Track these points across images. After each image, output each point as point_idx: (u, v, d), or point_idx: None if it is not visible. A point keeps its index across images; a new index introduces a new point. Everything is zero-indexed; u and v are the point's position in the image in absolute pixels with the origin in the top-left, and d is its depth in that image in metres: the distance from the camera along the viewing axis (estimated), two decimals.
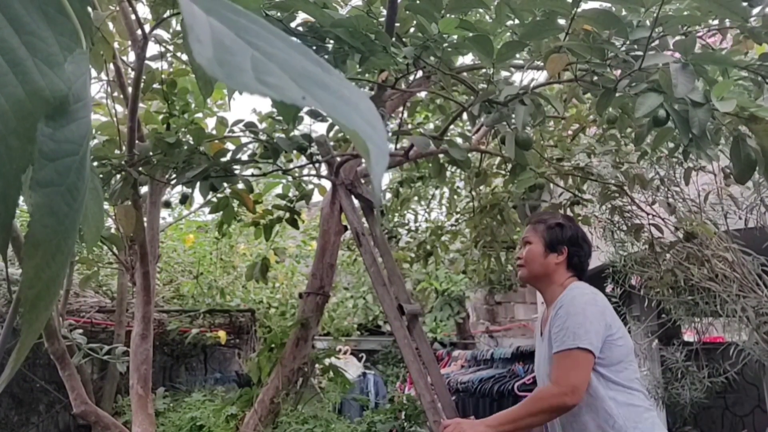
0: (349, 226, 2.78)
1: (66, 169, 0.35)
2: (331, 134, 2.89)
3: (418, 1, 1.66)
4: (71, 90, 0.35)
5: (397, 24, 1.92)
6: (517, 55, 2.32)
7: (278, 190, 3.17)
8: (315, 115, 2.31)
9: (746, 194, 3.68)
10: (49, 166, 0.34)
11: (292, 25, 1.78)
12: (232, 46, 0.30)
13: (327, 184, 3.08)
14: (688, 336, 5.83)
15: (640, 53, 1.49)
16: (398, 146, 2.59)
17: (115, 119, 3.11)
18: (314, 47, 1.74)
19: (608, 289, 4.85)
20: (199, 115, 3.12)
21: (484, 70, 2.54)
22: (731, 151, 1.46)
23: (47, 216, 0.34)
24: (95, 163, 2.17)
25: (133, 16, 2.73)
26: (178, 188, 2.89)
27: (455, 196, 4.58)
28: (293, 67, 0.31)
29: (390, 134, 2.51)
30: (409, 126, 3.77)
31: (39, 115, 0.33)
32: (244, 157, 2.40)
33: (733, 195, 3.56)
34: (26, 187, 0.34)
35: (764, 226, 3.68)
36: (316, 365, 3.54)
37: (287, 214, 2.93)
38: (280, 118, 2.46)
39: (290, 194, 3.02)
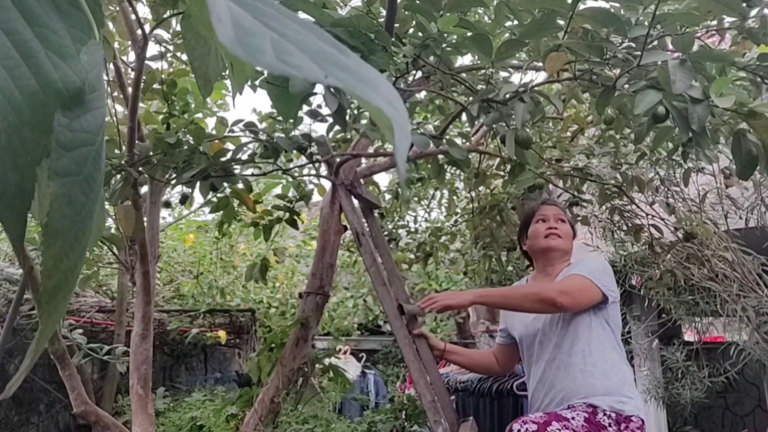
0: (349, 227, 2.79)
1: (83, 159, 0.35)
2: (330, 134, 2.90)
3: (417, 1, 1.66)
4: (87, 80, 0.35)
5: (397, 24, 1.93)
6: (516, 56, 2.33)
7: (278, 190, 3.17)
8: (315, 115, 2.31)
9: (746, 194, 3.68)
10: (67, 156, 0.34)
11: None
12: (252, 27, 0.30)
13: (326, 184, 3.08)
14: (689, 336, 5.83)
15: (638, 52, 1.49)
16: None
17: (115, 119, 3.12)
18: None
19: None
20: (199, 115, 3.12)
21: (483, 71, 2.55)
22: (732, 148, 1.47)
23: (66, 206, 0.34)
24: None
25: (133, 16, 2.73)
26: (178, 188, 2.90)
27: (454, 197, 4.59)
28: (311, 49, 0.31)
29: None
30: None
31: (53, 107, 0.34)
32: (244, 157, 2.40)
33: (732, 196, 3.56)
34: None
35: (764, 225, 3.68)
36: (317, 365, 3.54)
37: (287, 215, 2.93)
38: (281, 118, 2.47)
39: (290, 194, 3.02)
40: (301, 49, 0.31)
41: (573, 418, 1.93)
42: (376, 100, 0.31)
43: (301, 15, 1.81)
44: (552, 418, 1.93)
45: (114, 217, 2.76)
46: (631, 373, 2.14)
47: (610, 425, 1.95)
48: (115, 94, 3.17)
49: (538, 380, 2.17)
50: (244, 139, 2.49)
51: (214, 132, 2.78)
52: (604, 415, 1.96)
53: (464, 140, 3.42)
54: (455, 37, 1.75)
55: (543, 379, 2.14)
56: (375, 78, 0.33)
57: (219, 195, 2.62)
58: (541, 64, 1.96)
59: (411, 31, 2.01)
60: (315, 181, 3.30)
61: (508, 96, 1.71)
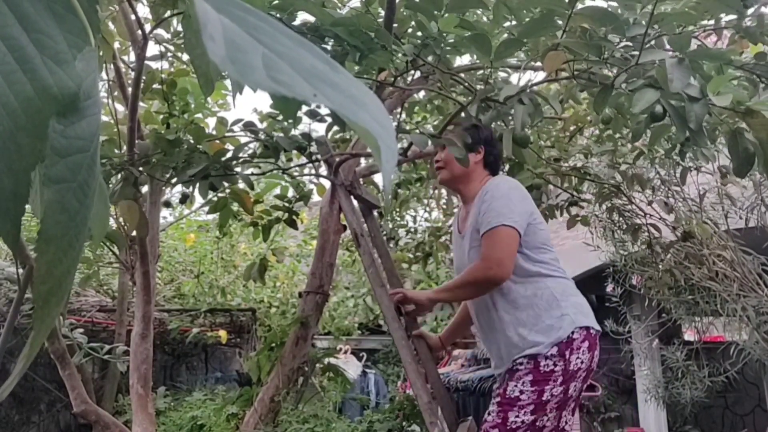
0: (348, 227, 2.79)
1: (77, 166, 0.36)
2: (329, 134, 2.90)
3: (417, 0, 1.67)
4: (82, 87, 0.35)
5: (395, 24, 1.93)
6: (515, 55, 2.34)
7: (278, 190, 3.17)
8: (314, 115, 2.31)
9: (747, 194, 3.68)
10: (61, 162, 0.35)
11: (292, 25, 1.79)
12: (243, 44, 0.30)
13: (326, 184, 3.09)
14: (689, 335, 5.83)
15: (636, 51, 1.50)
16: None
17: (114, 119, 3.12)
18: None
19: (608, 289, 4.85)
20: (199, 115, 3.12)
21: (481, 71, 2.55)
22: (729, 146, 1.47)
23: (59, 212, 0.35)
24: None
25: (133, 17, 2.73)
26: (179, 188, 2.90)
27: (454, 197, 4.59)
28: (302, 65, 0.32)
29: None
30: (407, 126, 3.77)
31: (48, 113, 0.34)
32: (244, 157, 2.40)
33: (731, 194, 3.56)
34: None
35: (765, 225, 3.68)
36: (317, 364, 3.54)
37: (286, 215, 2.93)
38: (281, 117, 2.47)
39: (289, 195, 3.02)
40: (292, 65, 0.31)
41: (522, 393, 1.93)
42: (363, 120, 0.31)
43: (301, 16, 1.82)
44: (505, 408, 1.94)
45: (115, 215, 2.76)
46: (564, 283, 2.07)
47: (555, 365, 1.94)
48: (116, 94, 3.17)
49: (483, 340, 2.20)
50: (243, 139, 2.50)
51: (214, 132, 2.79)
52: (546, 359, 1.94)
53: None
54: (454, 36, 1.75)
55: (485, 340, 2.17)
56: (364, 95, 0.33)
57: (219, 195, 2.63)
58: (539, 64, 1.96)
59: (410, 30, 2.01)
60: (314, 180, 3.30)
61: (507, 97, 1.71)
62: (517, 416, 1.93)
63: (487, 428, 1.96)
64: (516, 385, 1.96)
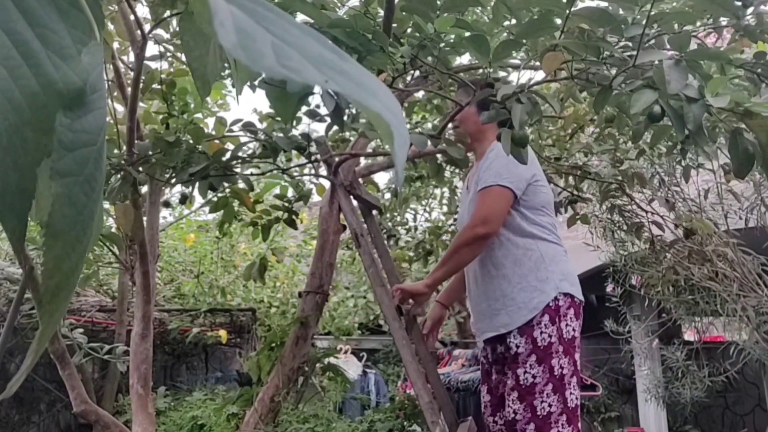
0: (348, 227, 2.79)
1: (84, 160, 0.36)
2: (329, 134, 2.90)
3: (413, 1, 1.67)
4: (88, 81, 0.36)
5: (395, 24, 1.93)
6: (514, 55, 2.34)
7: (277, 190, 3.18)
8: (313, 115, 2.31)
9: (747, 194, 3.69)
10: (68, 156, 0.35)
11: None
12: (253, 32, 0.31)
13: (326, 184, 3.09)
14: (689, 335, 5.84)
15: (635, 52, 1.50)
16: None
17: (114, 119, 3.12)
18: None
19: (609, 289, 4.86)
20: (199, 115, 3.12)
21: (481, 70, 2.55)
22: (729, 146, 1.48)
23: (67, 206, 0.35)
24: None
25: (132, 17, 2.73)
26: (178, 188, 2.90)
27: (454, 196, 4.59)
28: (311, 54, 0.32)
29: None
30: (407, 126, 3.77)
31: (53, 107, 0.34)
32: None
33: (735, 191, 3.56)
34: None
35: (764, 225, 3.69)
36: (317, 364, 3.55)
37: (286, 215, 2.93)
38: (279, 118, 2.47)
39: (288, 195, 3.02)
40: (301, 53, 0.32)
41: (535, 377, 1.94)
42: (375, 106, 0.32)
43: (300, 17, 1.82)
44: (528, 400, 1.93)
45: (113, 215, 2.76)
46: (555, 248, 2.08)
47: (550, 336, 1.95)
48: (115, 94, 3.18)
49: (470, 297, 2.21)
50: (243, 139, 2.50)
51: (213, 132, 2.79)
52: (541, 333, 1.95)
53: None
54: (452, 37, 1.75)
55: (471, 296, 2.18)
56: (374, 84, 0.33)
57: (219, 195, 2.63)
58: (538, 63, 1.96)
59: (409, 30, 2.01)
60: (314, 180, 3.31)
61: (505, 96, 1.71)
62: (543, 401, 1.93)
63: (523, 426, 1.94)
64: (525, 371, 1.96)
